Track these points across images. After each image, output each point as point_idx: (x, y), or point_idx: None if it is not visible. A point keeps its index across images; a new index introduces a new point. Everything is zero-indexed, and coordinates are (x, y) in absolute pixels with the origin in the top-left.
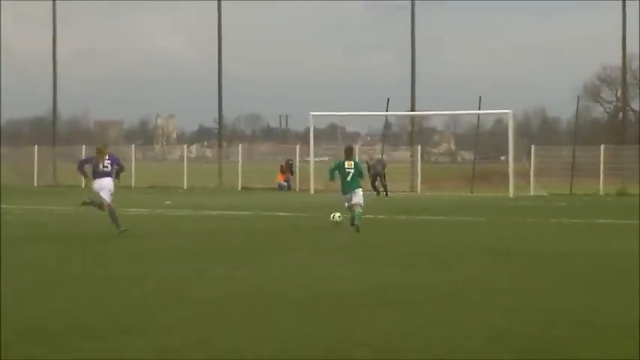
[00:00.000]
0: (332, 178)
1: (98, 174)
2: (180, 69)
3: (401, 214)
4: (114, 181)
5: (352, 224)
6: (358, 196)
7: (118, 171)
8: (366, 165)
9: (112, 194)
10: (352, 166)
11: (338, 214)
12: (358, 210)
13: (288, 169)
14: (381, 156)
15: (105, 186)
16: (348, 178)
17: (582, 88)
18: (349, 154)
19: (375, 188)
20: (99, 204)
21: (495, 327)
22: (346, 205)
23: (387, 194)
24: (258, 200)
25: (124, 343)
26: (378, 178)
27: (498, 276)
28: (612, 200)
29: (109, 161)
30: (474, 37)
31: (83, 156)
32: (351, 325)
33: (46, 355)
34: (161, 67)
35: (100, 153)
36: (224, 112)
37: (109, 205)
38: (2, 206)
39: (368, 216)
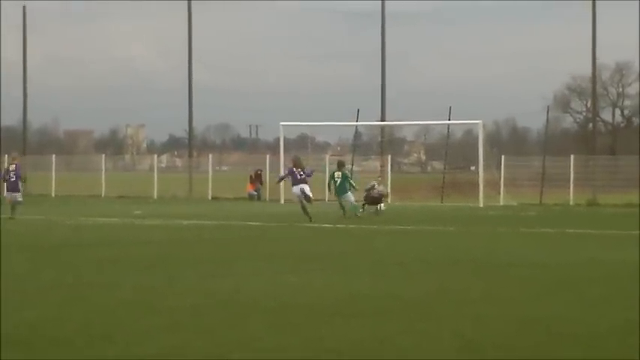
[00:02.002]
0: (329, 187)
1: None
2: (149, 78)
3: (371, 224)
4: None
5: (346, 216)
6: (347, 197)
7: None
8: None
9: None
10: (340, 176)
11: (360, 210)
12: (349, 205)
13: (258, 179)
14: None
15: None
16: (337, 184)
17: (552, 99)
18: (340, 165)
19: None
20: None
21: (466, 337)
22: (352, 200)
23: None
24: (229, 210)
25: (96, 351)
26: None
27: (469, 286)
28: (582, 210)
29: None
30: (443, 47)
31: (53, 165)
32: (322, 334)
33: None
34: (131, 76)
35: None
36: (194, 122)
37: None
38: None
39: (338, 225)
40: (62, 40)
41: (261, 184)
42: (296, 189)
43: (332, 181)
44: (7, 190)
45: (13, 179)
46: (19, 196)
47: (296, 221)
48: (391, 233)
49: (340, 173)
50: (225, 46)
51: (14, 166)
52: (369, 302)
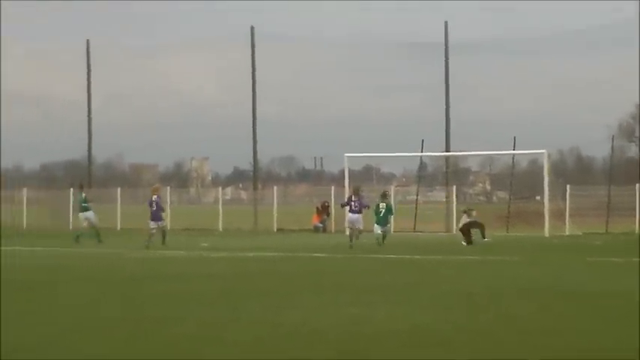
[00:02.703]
0: (375, 214)
1: None
2: (213, 112)
3: (436, 254)
4: None
5: (379, 242)
6: (386, 228)
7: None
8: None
9: None
10: (384, 207)
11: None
12: (385, 234)
13: (324, 210)
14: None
15: None
16: (381, 215)
17: (617, 127)
18: (383, 196)
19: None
20: None
21: None
22: (379, 232)
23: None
24: (294, 242)
25: None
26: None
27: (535, 316)
28: None
29: None
30: (506, 77)
31: (119, 197)
32: None
33: None
34: (194, 110)
35: None
36: (258, 155)
37: None
38: (37, 249)
39: (403, 256)
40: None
41: (328, 215)
42: (350, 217)
43: (377, 212)
44: (151, 220)
45: (154, 209)
46: (153, 225)
47: (361, 252)
48: (456, 263)
49: (385, 204)
50: (289, 78)
51: (156, 196)
52: (434, 333)
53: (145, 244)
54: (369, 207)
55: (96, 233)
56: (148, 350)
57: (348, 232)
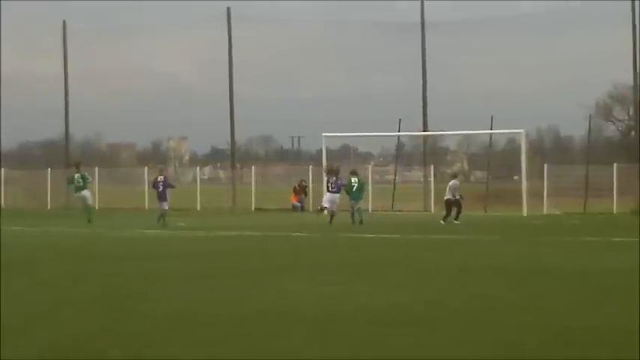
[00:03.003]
0: (346, 191)
1: None
2: (190, 92)
3: (415, 234)
4: None
5: (355, 221)
6: (360, 204)
7: None
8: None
9: None
10: (356, 182)
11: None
12: (360, 212)
13: (301, 190)
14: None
15: None
16: (354, 190)
17: (594, 107)
18: (353, 173)
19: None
20: None
21: (510, 345)
22: (351, 208)
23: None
24: (272, 221)
25: None
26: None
27: (512, 295)
28: (627, 219)
29: None
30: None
31: (97, 177)
32: (364, 343)
33: None
34: (172, 90)
35: None
36: (236, 134)
37: None
38: (15, 228)
39: (382, 235)
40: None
41: (305, 195)
42: (329, 196)
43: (349, 188)
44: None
45: (160, 190)
46: (165, 205)
47: (339, 232)
48: (434, 243)
49: (357, 179)
50: (266, 59)
51: (162, 177)
52: (411, 312)
53: (160, 223)
54: (343, 185)
55: (87, 212)
56: (127, 326)
57: (326, 212)
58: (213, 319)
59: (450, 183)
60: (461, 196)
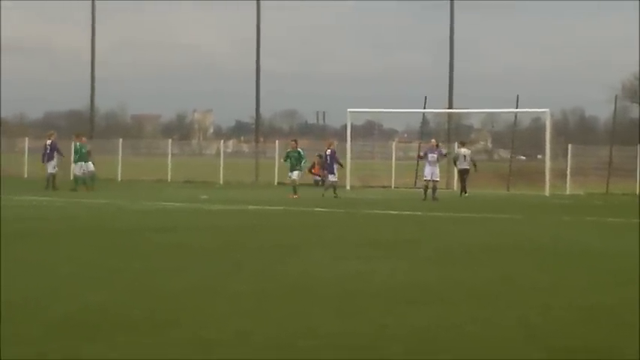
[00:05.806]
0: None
1: None
2: (217, 64)
3: (437, 212)
4: None
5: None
6: (295, 175)
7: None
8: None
9: None
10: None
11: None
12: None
13: (321, 164)
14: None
15: None
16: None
17: (620, 88)
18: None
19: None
20: None
21: (532, 325)
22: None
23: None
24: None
25: (162, 336)
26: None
27: (535, 274)
28: None
29: None
30: (512, 36)
31: (120, 149)
32: (387, 321)
33: (80, 348)
34: (198, 62)
35: None
36: (261, 109)
37: None
38: (42, 199)
39: (405, 212)
40: (130, 28)
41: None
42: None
43: (288, 159)
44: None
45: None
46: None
47: (362, 208)
48: (457, 221)
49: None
50: (294, 34)
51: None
52: (434, 290)
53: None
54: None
55: (80, 182)
56: (148, 299)
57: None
58: (235, 294)
59: (462, 151)
60: (474, 163)
